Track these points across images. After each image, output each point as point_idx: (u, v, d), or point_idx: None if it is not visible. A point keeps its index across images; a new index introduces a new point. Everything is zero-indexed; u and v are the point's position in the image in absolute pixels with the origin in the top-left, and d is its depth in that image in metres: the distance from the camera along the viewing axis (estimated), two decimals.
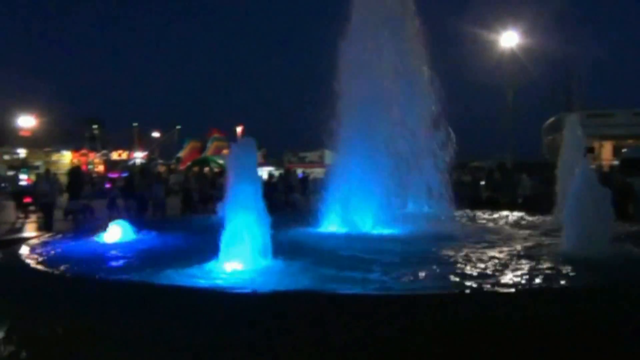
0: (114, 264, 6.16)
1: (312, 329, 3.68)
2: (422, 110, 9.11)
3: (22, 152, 58.99)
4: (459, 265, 5.53)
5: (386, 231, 8.09)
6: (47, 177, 18.58)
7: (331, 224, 8.62)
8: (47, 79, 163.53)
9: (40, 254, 6.17)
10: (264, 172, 46.42)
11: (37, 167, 47.97)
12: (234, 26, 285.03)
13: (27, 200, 20.11)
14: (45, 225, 16.38)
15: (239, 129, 74.61)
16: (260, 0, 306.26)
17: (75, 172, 20.93)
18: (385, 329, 3.63)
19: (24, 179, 35.80)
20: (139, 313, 4.10)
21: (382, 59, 8.92)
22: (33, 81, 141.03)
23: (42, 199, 17.11)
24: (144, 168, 23.93)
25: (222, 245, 5.46)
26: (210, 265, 5.39)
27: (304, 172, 30.12)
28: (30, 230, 16.82)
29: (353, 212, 8.40)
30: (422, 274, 5.04)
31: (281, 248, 5.70)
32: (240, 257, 5.43)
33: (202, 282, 4.80)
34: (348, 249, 6.53)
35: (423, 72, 9.24)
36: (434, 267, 5.39)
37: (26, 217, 19.86)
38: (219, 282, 4.86)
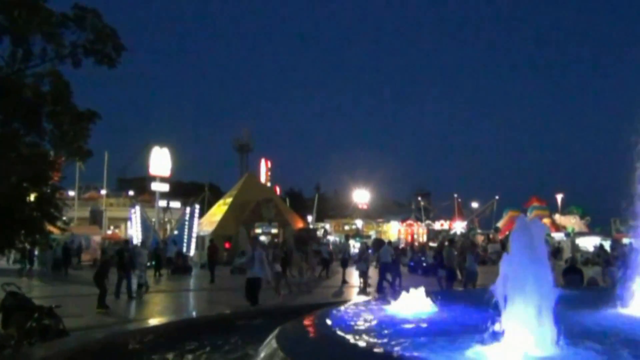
0: (389, 334, 5.90)
1: None
2: None
3: (359, 223, 66.40)
4: None
5: None
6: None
7: None
8: (382, 156, 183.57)
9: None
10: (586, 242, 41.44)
11: (369, 237, 53.24)
12: (554, 94, 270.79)
13: None
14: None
15: (559, 197, 68.93)
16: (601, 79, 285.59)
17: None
18: None
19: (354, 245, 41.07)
20: None
21: None
22: (369, 159, 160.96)
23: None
24: (452, 239, 24.21)
25: (503, 325, 4.80)
26: (490, 348, 4.72)
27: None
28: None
29: None
30: None
31: (577, 332, 4.94)
32: (523, 340, 4.67)
33: None
34: None
35: None
36: None
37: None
38: None
